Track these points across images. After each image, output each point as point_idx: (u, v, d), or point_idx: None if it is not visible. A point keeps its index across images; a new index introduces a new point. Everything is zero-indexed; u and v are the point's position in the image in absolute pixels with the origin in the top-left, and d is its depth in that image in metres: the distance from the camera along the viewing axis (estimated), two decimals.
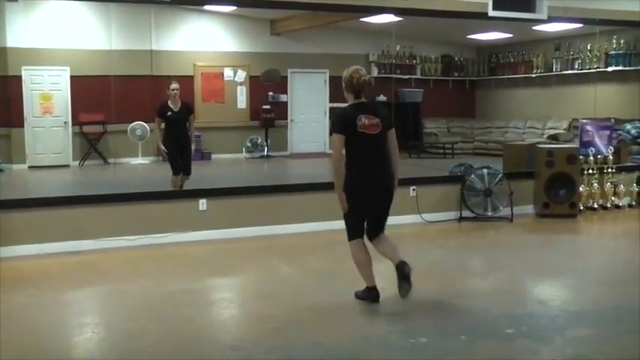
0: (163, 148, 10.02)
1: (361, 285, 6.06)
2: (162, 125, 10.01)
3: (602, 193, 10.83)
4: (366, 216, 6.01)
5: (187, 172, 10.15)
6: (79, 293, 6.70)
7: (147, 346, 5.12)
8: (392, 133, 6.00)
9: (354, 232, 6.02)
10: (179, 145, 10.02)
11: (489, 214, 9.91)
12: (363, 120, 5.82)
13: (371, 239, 6.06)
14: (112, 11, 14.75)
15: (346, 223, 6.06)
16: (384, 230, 6.08)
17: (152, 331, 5.45)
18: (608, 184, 10.85)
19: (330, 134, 5.94)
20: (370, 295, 6.02)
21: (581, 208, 10.49)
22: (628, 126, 13.50)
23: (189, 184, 10.10)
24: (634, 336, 5.26)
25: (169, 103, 9.97)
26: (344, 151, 5.86)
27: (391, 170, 5.98)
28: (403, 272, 5.84)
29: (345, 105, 6.04)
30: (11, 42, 14.70)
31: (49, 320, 5.76)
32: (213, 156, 16.19)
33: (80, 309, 6.19)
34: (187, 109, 10.21)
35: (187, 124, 10.11)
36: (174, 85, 9.96)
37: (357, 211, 5.94)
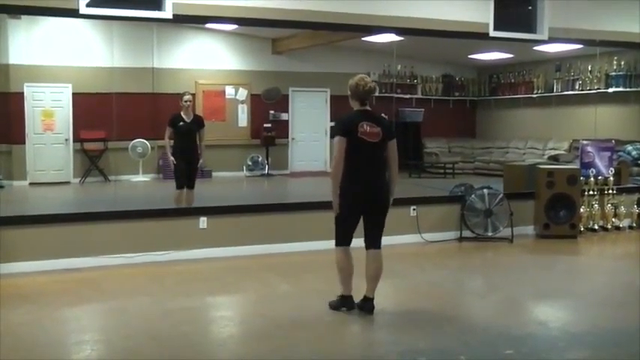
0: (173, 159, 10.08)
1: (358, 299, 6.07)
2: (172, 142, 10.09)
3: (602, 215, 10.82)
4: (355, 224, 6.13)
5: (191, 185, 10.19)
6: (77, 310, 6.68)
7: None
8: (393, 144, 6.10)
9: (341, 238, 6.17)
10: (187, 159, 10.11)
11: (489, 234, 9.90)
12: (365, 127, 5.95)
13: (366, 247, 6.18)
14: (114, 29, 14.77)
15: (335, 228, 6.18)
16: (379, 245, 6.17)
17: (150, 349, 5.43)
18: (609, 205, 10.84)
19: (332, 137, 6.00)
20: (345, 303, 6.19)
21: (582, 229, 10.48)
22: (629, 147, 13.52)
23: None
24: (633, 358, 5.24)
25: (182, 114, 10.12)
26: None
27: (386, 181, 6.10)
28: (364, 307, 6.11)
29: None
30: (13, 59, 14.73)
31: (47, 337, 5.74)
32: (214, 174, 16.16)
33: (78, 326, 6.18)
34: (199, 122, 10.34)
35: (198, 137, 10.21)
36: (188, 97, 10.18)
37: (346, 217, 6.08)
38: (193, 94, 15.89)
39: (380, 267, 6.14)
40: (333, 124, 17.23)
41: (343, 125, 6.03)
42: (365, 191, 6.02)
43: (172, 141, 10.15)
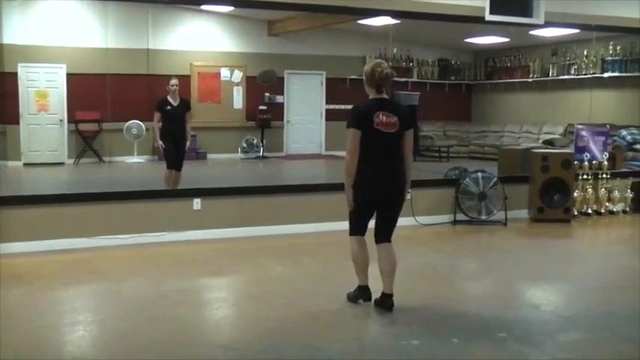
0: (161, 143, 10.21)
1: (355, 286, 6.06)
2: (160, 124, 10.18)
3: (596, 199, 10.85)
4: (371, 215, 5.91)
5: (179, 167, 10.37)
6: (72, 291, 6.69)
7: (139, 346, 5.11)
8: (409, 134, 5.82)
9: (355, 228, 5.92)
10: (175, 141, 10.27)
11: (483, 217, 9.93)
12: (381, 117, 5.66)
13: (376, 242, 5.93)
14: (109, 9, 14.75)
15: (350, 218, 5.96)
16: (390, 239, 5.92)
17: (144, 331, 5.45)
18: (603, 189, 10.87)
19: (347, 127, 5.73)
20: (362, 294, 6.00)
21: (575, 213, 10.51)
22: (623, 132, 13.54)
23: (183, 183, 10.15)
24: (626, 342, 5.27)
25: (169, 98, 10.25)
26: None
27: (402, 172, 5.82)
28: (384, 304, 5.88)
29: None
30: (8, 39, 14.69)
31: (42, 318, 5.75)
32: (209, 156, 16.19)
33: (73, 307, 6.18)
34: (185, 106, 10.50)
35: (184, 120, 10.33)
36: (174, 81, 10.28)
37: (362, 209, 5.85)
38: (188, 76, 15.96)
39: (394, 261, 5.88)
40: (328, 107, 17.38)
41: (357, 116, 5.70)
42: (381, 184, 5.76)
43: (160, 123, 10.28)
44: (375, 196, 5.81)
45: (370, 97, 5.84)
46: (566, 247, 9.20)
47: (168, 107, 10.17)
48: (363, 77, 5.86)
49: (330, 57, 17.12)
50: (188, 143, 10.50)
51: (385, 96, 5.83)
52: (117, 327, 5.55)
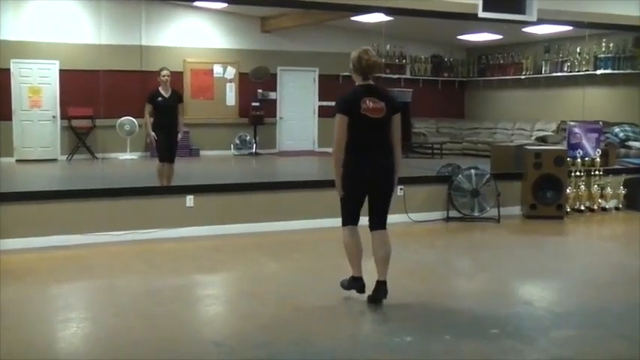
0: (153, 135, 10.16)
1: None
2: (151, 119, 10.14)
3: (589, 196, 10.86)
4: (362, 202, 5.90)
5: (171, 159, 10.32)
6: (65, 288, 6.68)
7: (131, 342, 5.10)
8: (397, 118, 5.82)
9: (347, 218, 5.92)
10: (168, 133, 10.21)
11: (476, 214, 9.93)
12: (368, 102, 5.68)
13: (370, 229, 5.93)
14: (102, 6, 14.73)
15: (341, 208, 5.95)
16: (384, 225, 5.93)
17: (137, 327, 5.44)
18: (595, 186, 10.88)
19: (333, 115, 5.75)
20: (356, 285, 5.98)
21: (568, 210, 10.52)
22: (616, 129, 13.56)
23: (175, 180, 10.13)
24: (619, 338, 5.29)
25: (160, 89, 10.20)
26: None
27: (392, 157, 5.82)
28: (377, 294, 5.88)
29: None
30: (0, 34, 14.62)
31: (35, 315, 5.74)
32: (202, 152, 16.18)
33: (66, 304, 6.17)
34: (177, 97, 10.45)
35: (177, 112, 10.29)
36: (166, 72, 10.22)
37: (352, 196, 5.84)
38: (181, 73, 15.93)
39: (389, 248, 5.90)
40: (321, 104, 17.38)
41: (344, 102, 5.73)
42: (370, 171, 5.75)
43: (152, 118, 10.24)
44: (365, 182, 5.81)
45: (357, 84, 5.86)
46: (559, 243, 9.21)
47: (160, 99, 10.11)
48: (350, 65, 5.87)
49: (323, 54, 17.10)
50: (180, 135, 10.43)
51: (372, 82, 5.85)
52: (110, 323, 5.54)
